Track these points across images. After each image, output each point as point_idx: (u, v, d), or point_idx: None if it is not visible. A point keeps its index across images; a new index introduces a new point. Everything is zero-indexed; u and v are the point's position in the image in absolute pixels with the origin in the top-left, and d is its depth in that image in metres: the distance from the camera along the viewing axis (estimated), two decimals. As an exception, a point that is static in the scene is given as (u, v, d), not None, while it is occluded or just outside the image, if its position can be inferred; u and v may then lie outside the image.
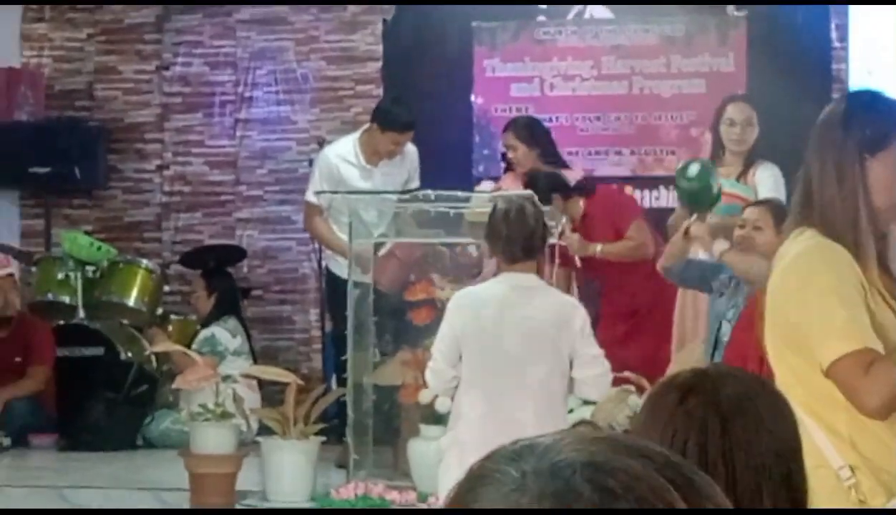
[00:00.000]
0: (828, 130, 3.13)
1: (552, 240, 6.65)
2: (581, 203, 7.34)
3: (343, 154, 7.79)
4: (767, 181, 6.79)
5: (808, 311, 2.98)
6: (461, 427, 5.14)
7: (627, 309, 7.35)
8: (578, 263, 7.15)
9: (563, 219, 7.07)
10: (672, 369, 6.55)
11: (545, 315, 5.24)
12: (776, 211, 5.55)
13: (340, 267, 7.41)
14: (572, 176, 7.53)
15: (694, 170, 6.20)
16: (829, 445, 2.89)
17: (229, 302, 8.67)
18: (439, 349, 5.25)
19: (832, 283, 2.96)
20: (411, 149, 7.81)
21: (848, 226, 3.01)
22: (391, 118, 7.60)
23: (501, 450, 1.14)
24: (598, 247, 7.18)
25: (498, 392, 5.13)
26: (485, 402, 5.11)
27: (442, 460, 5.32)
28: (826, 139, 3.12)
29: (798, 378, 2.99)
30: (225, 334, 8.22)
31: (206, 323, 8.53)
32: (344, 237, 7.19)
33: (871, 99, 3.25)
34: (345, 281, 6.96)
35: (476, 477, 1.13)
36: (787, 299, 3.04)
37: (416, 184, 7.77)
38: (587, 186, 7.55)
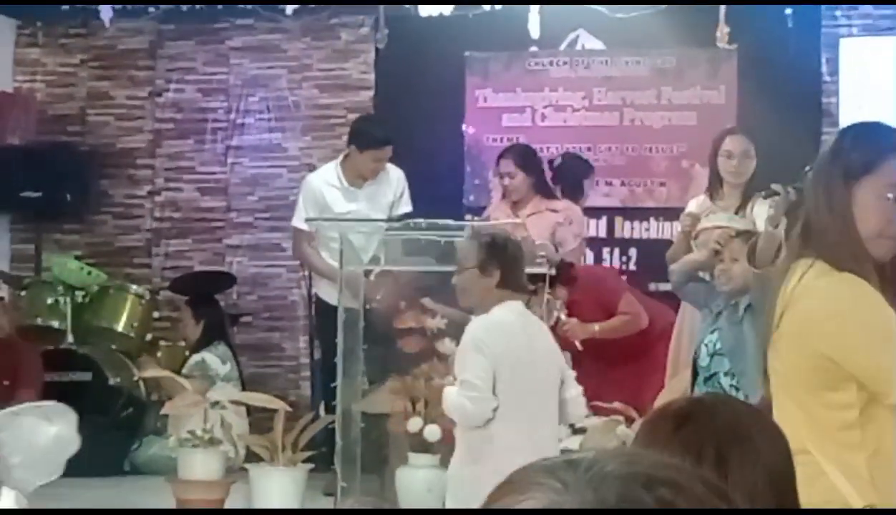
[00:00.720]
0: (821, 161, 3.16)
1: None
2: (565, 290, 7.27)
3: (326, 178, 7.82)
4: (763, 215, 6.75)
5: (859, 350, 2.94)
6: (498, 456, 5.04)
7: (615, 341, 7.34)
8: (580, 346, 7.10)
9: (558, 305, 7.07)
10: (664, 396, 6.56)
11: (551, 341, 5.31)
12: (753, 244, 5.57)
13: (329, 294, 7.41)
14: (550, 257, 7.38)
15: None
16: (849, 486, 2.86)
17: (216, 328, 8.67)
18: (479, 377, 5.18)
19: (884, 318, 2.95)
20: (396, 172, 7.81)
21: (848, 254, 2.99)
22: (367, 136, 7.64)
23: (535, 465, 1.19)
24: (597, 328, 7.15)
25: (532, 420, 5.15)
26: (520, 431, 5.11)
27: (451, 488, 5.32)
28: (818, 168, 3.15)
29: (809, 417, 2.95)
30: (215, 360, 8.22)
31: (194, 350, 8.52)
32: (333, 262, 7.19)
33: (861, 127, 3.26)
34: (334, 308, 6.95)
35: (514, 486, 1.17)
36: (823, 336, 2.98)
37: (406, 207, 7.76)
38: (567, 274, 7.45)
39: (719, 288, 5.72)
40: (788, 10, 9.05)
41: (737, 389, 5.39)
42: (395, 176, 7.79)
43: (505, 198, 7.86)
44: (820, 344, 2.97)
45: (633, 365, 7.13)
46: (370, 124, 7.92)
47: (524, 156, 7.98)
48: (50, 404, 3.57)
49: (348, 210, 7.63)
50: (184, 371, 8.13)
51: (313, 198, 7.72)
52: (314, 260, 7.76)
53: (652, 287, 8.41)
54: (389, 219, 7.42)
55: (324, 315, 7.73)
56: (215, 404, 7.42)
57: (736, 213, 6.63)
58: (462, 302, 5.59)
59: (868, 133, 3.19)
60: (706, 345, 5.67)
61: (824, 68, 9.25)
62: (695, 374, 5.72)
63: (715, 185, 6.93)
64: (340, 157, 7.99)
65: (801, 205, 3.25)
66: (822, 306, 2.99)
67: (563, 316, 7.06)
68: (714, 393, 1.88)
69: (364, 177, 7.68)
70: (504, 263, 5.28)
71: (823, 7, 9.04)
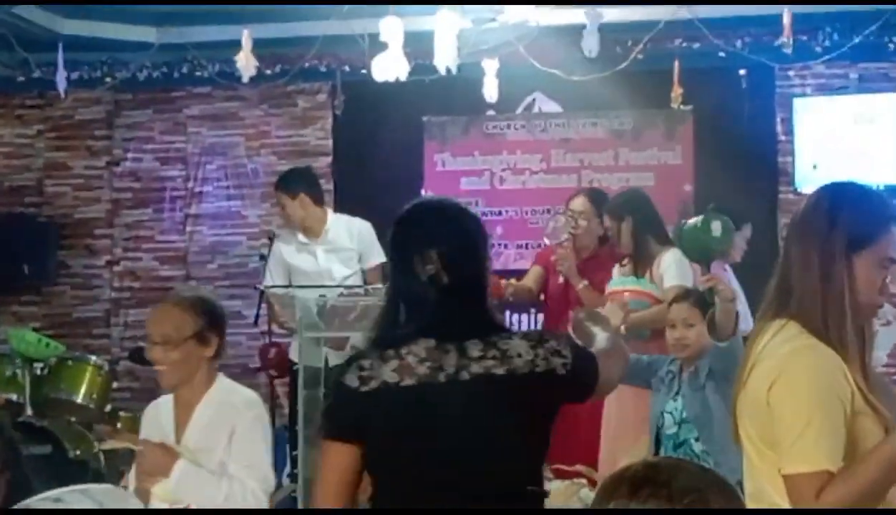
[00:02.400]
0: (811, 223, 3.11)
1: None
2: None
3: (286, 237, 7.84)
4: (671, 268, 6.71)
5: (786, 416, 2.94)
6: None
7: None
8: (561, 279, 6.99)
9: (564, 237, 6.99)
10: (624, 463, 6.52)
11: None
12: (700, 302, 5.55)
13: (307, 357, 7.33)
14: None
15: (717, 227, 6.10)
16: None
17: None
18: None
19: (819, 396, 2.93)
20: (357, 225, 7.76)
21: (833, 324, 2.99)
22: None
23: None
24: (584, 284, 6.97)
25: None
26: None
27: None
28: (809, 232, 3.10)
29: (776, 472, 2.98)
30: None
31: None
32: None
33: (855, 193, 3.21)
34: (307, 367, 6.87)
35: None
36: (773, 398, 2.98)
37: (379, 258, 7.69)
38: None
39: (675, 355, 5.69)
40: (742, 71, 9.14)
41: (708, 454, 5.38)
42: (355, 227, 7.75)
43: None
44: (765, 405, 3.00)
45: (596, 428, 7.08)
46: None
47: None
48: (97, 487, 3.37)
49: (307, 266, 7.61)
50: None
51: (277, 258, 7.76)
52: (288, 320, 7.68)
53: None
54: (345, 286, 7.38)
55: (296, 377, 7.66)
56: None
57: (639, 276, 6.64)
58: None
59: (867, 204, 3.16)
60: (671, 413, 5.63)
61: (779, 128, 9.34)
62: (658, 441, 5.68)
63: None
64: None
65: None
66: (776, 368, 3.00)
67: (565, 238, 6.97)
68: (669, 458, 1.88)
69: (308, 230, 7.68)
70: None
71: (777, 67, 9.12)
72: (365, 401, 3.23)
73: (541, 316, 8.03)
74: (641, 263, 6.73)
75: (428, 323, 3.28)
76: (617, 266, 6.92)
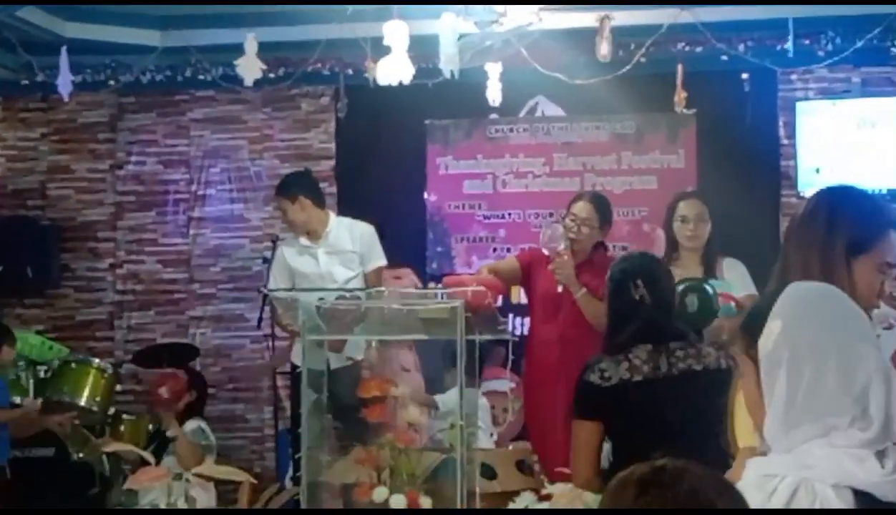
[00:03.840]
0: (810, 227, 3.13)
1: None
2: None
3: (289, 241, 7.87)
4: (737, 278, 6.73)
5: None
6: None
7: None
8: (560, 289, 6.90)
9: (563, 245, 6.90)
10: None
11: None
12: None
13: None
14: None
15: (693, 303, 6.03)
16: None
17: (203, 402, 8.57)
18: None
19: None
20: (360, 229, 7.77)
21: None
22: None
23: None
24: (583, 292, 6.84)
25: None
26: None
27: None
28: (808, 236, 3.13)
29: None
30: (208, 429, 8.14)
31: (185, 417, 8.30)
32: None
33: (854, 198, 3.24)
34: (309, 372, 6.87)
35: None
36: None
37: (380, 261, 7.71)
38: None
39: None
40: (745, 75, 9.15)
41: None
42: (357, 230, 7.76)
43: None
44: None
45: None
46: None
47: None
48: None
49: (309, 269, 7.62)
50: (187, 433, 7.98)
51: (280, 262, 7.77)
52: (286, 322, 7.69)
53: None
54: (351, 289, 7.38)
55: (297, 383, 7.67)
56: (179, 477, 7.35)
57: (707, 278, 6.60)
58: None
59: (866, 209, 3.18)
60: None
61: (781, 131, 9.35)
62: None
63: (671, 250, 6.90)
64: None
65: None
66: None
67: (563, 246, 6.92)
68: (675, 460, 1.89)
69: (310, 234, 7.70)
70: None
71: (779, 71, 9.13)
72: (606, 393, 4.71)
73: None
74: (704, 268, 6.75)
75: (642, 332, 4.77)
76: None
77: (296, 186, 7.70)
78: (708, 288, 6.31)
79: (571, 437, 4.85)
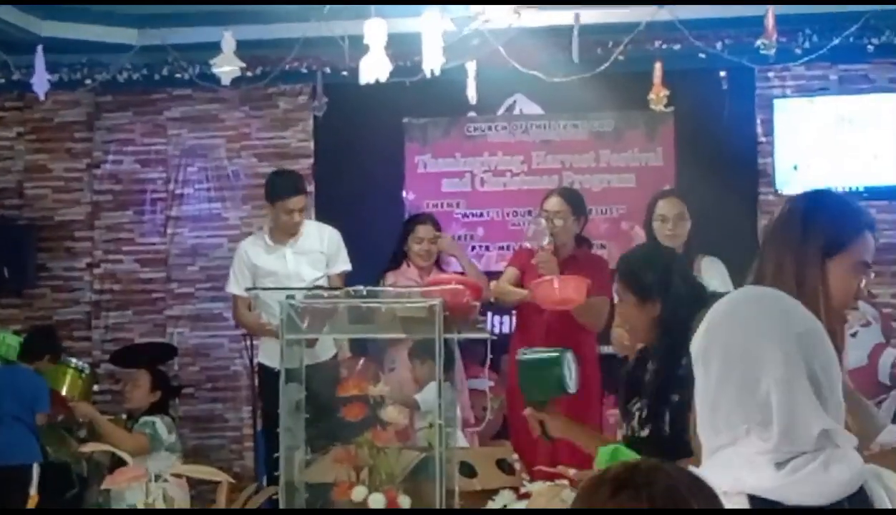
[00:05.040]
0: (786, 230, 3.15)
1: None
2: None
3: (253, 240, 7.86)
4: (716, 276, 6.76)
5: None
6: None
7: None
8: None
9: (546, 241, 6.92)
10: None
11: None
12: None
13: (272, 360, 7.35)
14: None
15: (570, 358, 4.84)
16: None
17: (168, 400, 8.56)
18: None
19: None
20: (328, 230, 7.79)
21: None
22: (275, 188, 7.66)
23: None
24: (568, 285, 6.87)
25: None
26: None
27: None
28: (784, 238, 3.14)
29: None
30: (163, 427, 8.11)
31: (142, 416, 8.32)
32: (275, 321, 7.10)
33: (829, 200, 3.26)
34: (277, 374, 6.88)
35: None
36: None
37: (345, 266, 7.73)
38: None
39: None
40: (723, 73, 9.17)
41: None
42: (326, 232, 7.78)
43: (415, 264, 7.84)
44: None
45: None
46: (278, 176, 7.96)
47: (439, 224, 8.05)
48: None
49: (274, 268, 7.62)
50: (133, 429, 8.01)
51: (240, 260, 7.76)
52: (252, 322, 7.71)
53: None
54: (330, 288, 7.38)
55: (267, 382, 7.68)
56: (157, 477, 7.32)
57: None
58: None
59: (841, 210, 3.21)
60: None
61: (759, 129, 9.37)
62: None
63: None
64: (267, 220, 8.03)
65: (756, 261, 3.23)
66: None
67: (547, 241, 6.90)
68: (649, 459, 1.88)
69: (288, 232, 7.67)
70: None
71: (757, 69, 9.15)
72: None
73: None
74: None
75: None
76: None
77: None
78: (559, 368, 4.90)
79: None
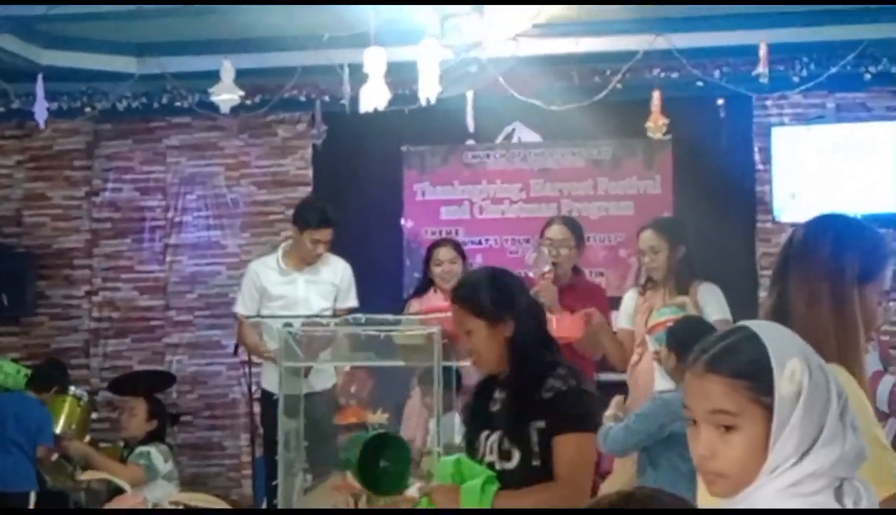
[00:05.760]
0: (817, 255, 3.07)
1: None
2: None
3: (265, 262, 7.80)
4: (712, 302, 6.76)
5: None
6: None
7: None
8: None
9: (547, 268, 6.94)
10: (611, 482, 6.54)
11: None
12: None
13: (273, 384, 7.34)
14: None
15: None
16: None
17: (163, 428, 8.55)
18: None
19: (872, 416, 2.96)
20: (342, 265, 7.77)
21: (851, 355, 2.96)
22: (305, 217, 7.61)
23: None
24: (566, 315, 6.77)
25: None
26: None
27: None
28: (816, 264, 3.06)
29: None
30: (159, 457, 8.10)
31: (139, 445, 8.32)
32: (274, 344, 7.08)
33: (860, 227, 3.19)
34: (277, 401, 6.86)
35: None
36: None
37: (352, 302, 7.72)
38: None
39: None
40: (720, 101, 9.18)
41: None
42: (340, 266, 7.75)
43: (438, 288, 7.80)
44: None
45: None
46: (309, 205, 7.93)
47: (460, 246, 8.00)
48: None
49: (284, 293, 7.59)
50: (129, 459, 8.00)
51: (250, 281, 7.70)
52: (255, 343, 7.66)
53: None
54: (328, 316, 7.38)
55: (268, 408, 7.66)
56: (155, 506, 7.31)
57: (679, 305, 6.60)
58: None
59: (871, 239, 3.15)
60: None
61: (757, 157, 9.38)
62: None
63: (645, 278, 6.98)
64: (285, 243, 7.98)
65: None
66: None
67: (547, 269, 6.90)
68: (643, 487, 1.87)
69: (305, 260, 7.63)
70: None
71: (754, 97, 9.17)
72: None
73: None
74: (679, 293, 6.76)
75: None
76: (635, 293, 6.95)
77: None
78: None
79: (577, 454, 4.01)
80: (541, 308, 4.42)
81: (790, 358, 2.17)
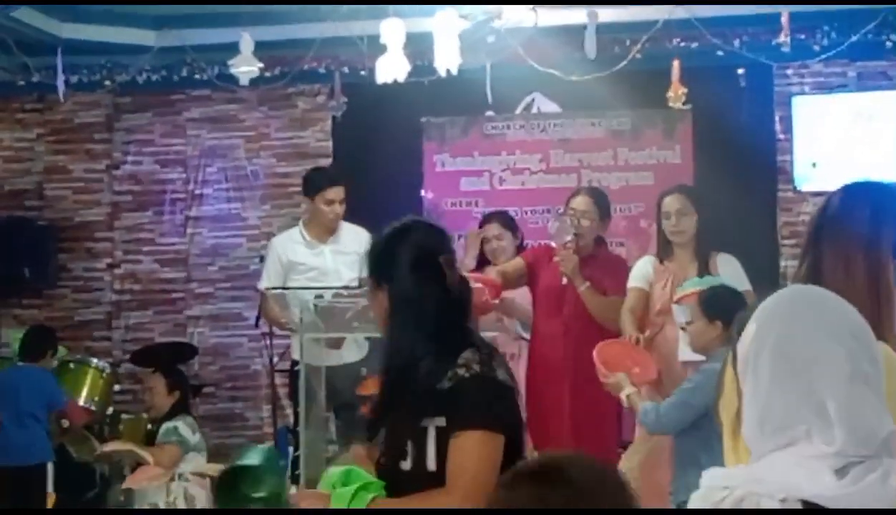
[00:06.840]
0: (853, 226, 2.99)
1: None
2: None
3: (290, 235, 7.73)
4: (731, 273, 6.72)
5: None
6: None
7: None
8: (564, 281, 6.95)
9: (568, 238, 6.95)
10: (630, 454, 6.55)
11: None
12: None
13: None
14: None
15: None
16: None
17: (185, 400, 8.57)
18: None
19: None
20: (365, 235, 7.72)
21: (887, 325, 2.88)
22: (313, 181, 7.60)
23: None
24: (586, 285, 6.90)
25: None
26: None
27: None
28: (851, 234, 2.99)
29: None
30: (187, 429, 8.13)
31: (164, 420, 8.35)
32: (309, 316, 7.07)
33: (891, 195, 3.09)
34: (310, 367, 6.84)
35: None
36: None
37: None
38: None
39: None
40: (741, 70, 9.15)
41: None
42: (363, 235, 7.66)
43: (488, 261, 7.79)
44: None
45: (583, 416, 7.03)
46: (316, 170, 7.93)
47: (510, 220, 7.99)
48: None
49: (314, 265, 7.55)
50: (158, 439, 8.01)
51: (276, 258, 7.62)
52: (279, 316, 7.63)
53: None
54: (351, 287, 7.37)
55: (296, 377, 7.64)
56: (179, 476, 7.36)
57: (699, 274, 6.57)
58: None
59: None
60: None
61: (777, 126, 9.35)
62: None
63: (665, 248, 6.93)
64: (304, 216, 7.96)
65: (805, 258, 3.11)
66: None
67: (570, 239, 6.95)
68: (566, 452, 1.88)
69: (327, 228, 7.58)
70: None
71: (775, 66, 9.14)
72: (512, 397, 3.36)
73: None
74: (701, 264, 6.74)
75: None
76: (652, 257, 6.92)
77: None
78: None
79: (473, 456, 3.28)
80: (464, 287, 3.53)
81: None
